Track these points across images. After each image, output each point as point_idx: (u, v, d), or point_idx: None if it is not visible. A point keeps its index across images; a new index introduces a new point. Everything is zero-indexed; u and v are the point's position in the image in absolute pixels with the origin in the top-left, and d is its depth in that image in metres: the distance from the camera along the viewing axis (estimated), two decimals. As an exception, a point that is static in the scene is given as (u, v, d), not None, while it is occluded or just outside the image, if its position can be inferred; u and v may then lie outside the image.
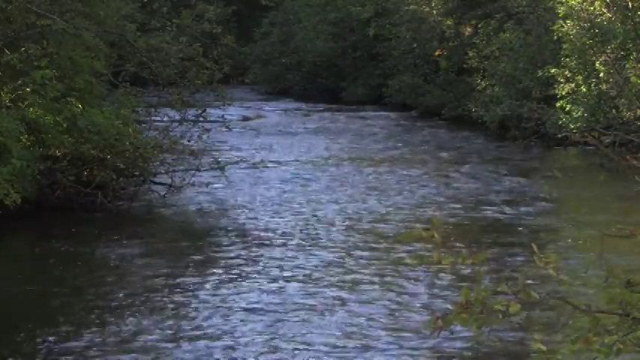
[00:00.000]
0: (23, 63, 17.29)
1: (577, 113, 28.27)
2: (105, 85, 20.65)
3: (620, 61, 27.26)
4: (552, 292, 10.88)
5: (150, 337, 10.44)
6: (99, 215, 17.48)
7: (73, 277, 13.35)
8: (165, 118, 20.49)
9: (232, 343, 10.30)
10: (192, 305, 11.82)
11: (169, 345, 10.22)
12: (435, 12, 42.47)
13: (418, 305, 11.84)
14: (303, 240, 15.71)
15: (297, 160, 26.28)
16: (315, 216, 17.85)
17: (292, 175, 23.30)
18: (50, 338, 10.42)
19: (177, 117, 20.22)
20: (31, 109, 17.06)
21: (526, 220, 17.69)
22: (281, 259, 14.32)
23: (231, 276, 13.30)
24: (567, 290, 11.57)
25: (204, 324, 10.97)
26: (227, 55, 21.52)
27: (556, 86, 29.58)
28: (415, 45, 43.21)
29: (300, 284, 12.82)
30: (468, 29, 40.76)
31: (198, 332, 10.65)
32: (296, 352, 10.05)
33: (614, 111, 27.83)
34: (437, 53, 41.79)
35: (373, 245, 15.36)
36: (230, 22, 44.07)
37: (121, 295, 12.31)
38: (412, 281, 12.96)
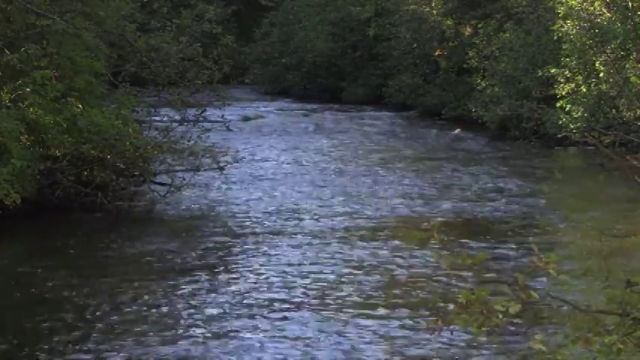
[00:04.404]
0: (23, 63, 17.30)
1: (577, 113, 28.28)
2: (105, 85, 20.65)
3: (620, 61, 27.27)
4: (552, 292, 10.88)
5: (148, 336, 10.44)
6: (99, 215, 17.49)
7: (73, 277, 13.33)
8: (165, 118, 20.51)
9: (232, 343, 10.31)
10: (193, 305, 11.81)
11: (168, 344, 10.22)
12: (435, 12, 42.47)
13: (422, 304, 11.85)
14: (304, 240, 15.71)
15: (297, 161, 26.29)
16: (315, 216, 17.85)
17: (292, 176, 23.30)
18: (49, 339, 10.43)
19: (178, 117, 20.23)
20: (31, 109, 17.06)
21: (526, 220, 17.69)
22: (282, 259, 14.33)
23: (231, 276, 13.31)
24: (567, 290, 11.57)
25: (205, 324, 10.97)
26: (227, 55, 21.51)
27: (556, 86, 29.60)
28: (415, 45, 43.21)
29: (301, 284, 12.82)
30: (468, 29, 40.75)
31: (199, 332, 10.65)
32: (299, 352, 10.05)
33: (614, 111, 27.84)
34: (437, 53, 41.78)
35: (374, 245, 15.35)
36: (230, 22, 44.04)
37: (120, 295, 12.31)
38: (413, 281, 12.97)
